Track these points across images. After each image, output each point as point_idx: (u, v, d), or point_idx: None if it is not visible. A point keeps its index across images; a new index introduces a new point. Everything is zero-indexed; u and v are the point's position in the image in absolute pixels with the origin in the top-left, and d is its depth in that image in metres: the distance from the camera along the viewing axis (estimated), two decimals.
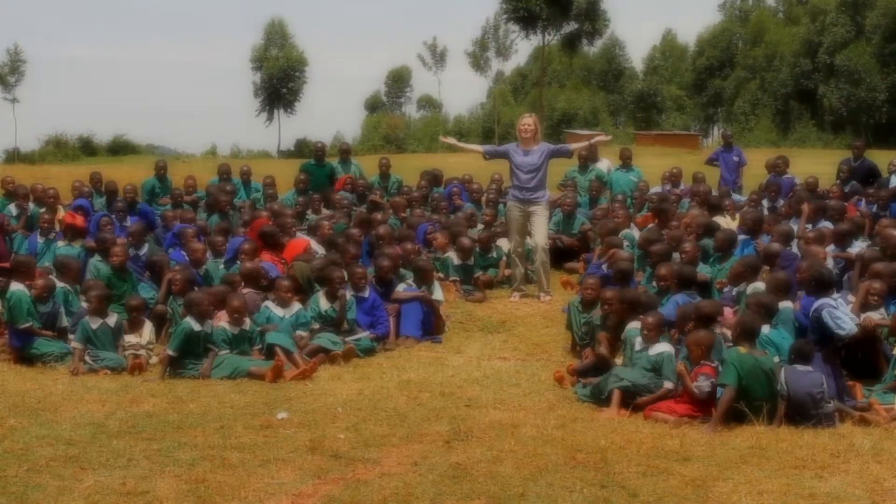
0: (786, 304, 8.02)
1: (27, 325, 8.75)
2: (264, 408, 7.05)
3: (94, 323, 8.69)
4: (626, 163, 15.34)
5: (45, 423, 6.53)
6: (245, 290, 9.42)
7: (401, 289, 9.97)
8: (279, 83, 69.05)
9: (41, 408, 7.02)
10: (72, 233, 11.59)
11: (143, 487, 5.24)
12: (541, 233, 11.02)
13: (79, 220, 11.84)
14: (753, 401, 6.61)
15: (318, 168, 15.17)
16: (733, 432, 6.40)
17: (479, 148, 11.88)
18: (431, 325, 9.84)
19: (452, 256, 11.47)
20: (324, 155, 15.67)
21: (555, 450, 5.95)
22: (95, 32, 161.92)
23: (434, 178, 15.71)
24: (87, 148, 56.36)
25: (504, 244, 11.96)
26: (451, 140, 12.48)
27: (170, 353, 8.27)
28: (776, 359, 7.09)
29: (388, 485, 5.29)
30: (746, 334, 6.94)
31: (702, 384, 6.82)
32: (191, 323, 8.37)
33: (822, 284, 7.76)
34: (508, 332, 9.99)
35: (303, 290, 9.77)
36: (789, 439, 6.20)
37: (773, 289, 8.05)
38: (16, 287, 8.92)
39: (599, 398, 7.29)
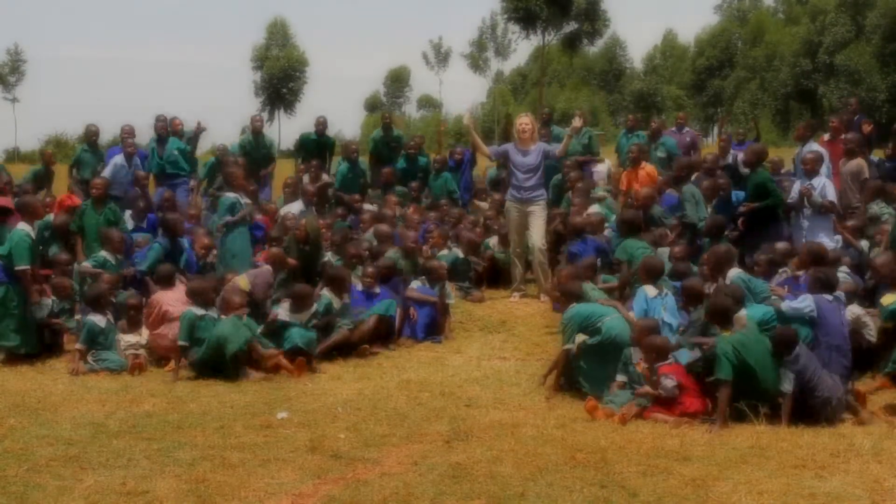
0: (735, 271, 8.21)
1: (25, 267, 8.54)
2: (264, 408, 7.05)
3: (101, 322, 8.67)
4: (654, 135, 14.70)
5: (45, 423, 6.54)
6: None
7: (414, 286, 9.95)
8: (280, 83, 69.08)
9: (41, 408, 7.02)
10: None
11: (143, 487, 5.24)
12: (538, 234, 11.00)
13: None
14: (761, 383, 6.62)
15: (318, 140, 14.99)
16: (733, 432, 6.40)
17: (486, 150, 11.78)
18: (436, 328, 9.83)
19: (457, 252, 11.41)
20: (325, 129, 15.22)
21: (555, 450, 5.95)
22: (95, 32, 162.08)
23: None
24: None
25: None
26: (471, 124, 12.28)
27: (181, 343, 8.23)
28: None
29: (388, 485, 5.29)
30: (723, 318, 6.97)
31: (665, 383, 6.84)
32: (193, 310, 8.36)
33: (825, 285, 7.74)
34: (508, 332, 9.99)
35: (307, 244, 9.97)
36: (789, 439, 6.21)
37: (710, 313, 7.36)
38: (21, 226, 8.72)
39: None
